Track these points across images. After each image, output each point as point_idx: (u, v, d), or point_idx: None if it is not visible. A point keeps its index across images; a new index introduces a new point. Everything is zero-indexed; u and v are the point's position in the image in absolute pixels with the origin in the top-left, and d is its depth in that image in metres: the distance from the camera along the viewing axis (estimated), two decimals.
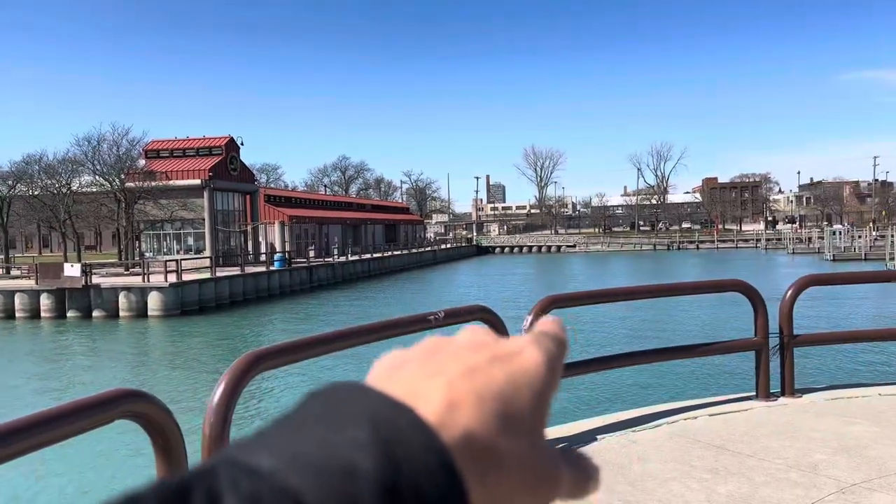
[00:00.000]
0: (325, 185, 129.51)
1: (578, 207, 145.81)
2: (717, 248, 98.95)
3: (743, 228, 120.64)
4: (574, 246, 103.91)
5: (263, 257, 53.16)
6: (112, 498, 0.28)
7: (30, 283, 37.09)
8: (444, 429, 0.35)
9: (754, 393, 6.06)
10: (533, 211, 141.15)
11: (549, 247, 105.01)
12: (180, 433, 1.77)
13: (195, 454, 1.90)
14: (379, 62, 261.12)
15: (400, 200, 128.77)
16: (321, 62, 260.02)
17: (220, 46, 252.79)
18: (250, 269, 45.78)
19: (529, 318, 4.87)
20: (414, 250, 79.75)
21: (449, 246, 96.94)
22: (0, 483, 10.91)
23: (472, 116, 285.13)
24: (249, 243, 57.56)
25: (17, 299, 36.21)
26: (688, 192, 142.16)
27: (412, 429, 0.34)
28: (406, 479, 0.32)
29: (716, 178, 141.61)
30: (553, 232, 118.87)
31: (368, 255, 66.35)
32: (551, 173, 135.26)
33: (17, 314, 35.89)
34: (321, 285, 51.33)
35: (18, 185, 56.74)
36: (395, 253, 73.08)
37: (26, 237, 76.03)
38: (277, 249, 57.11)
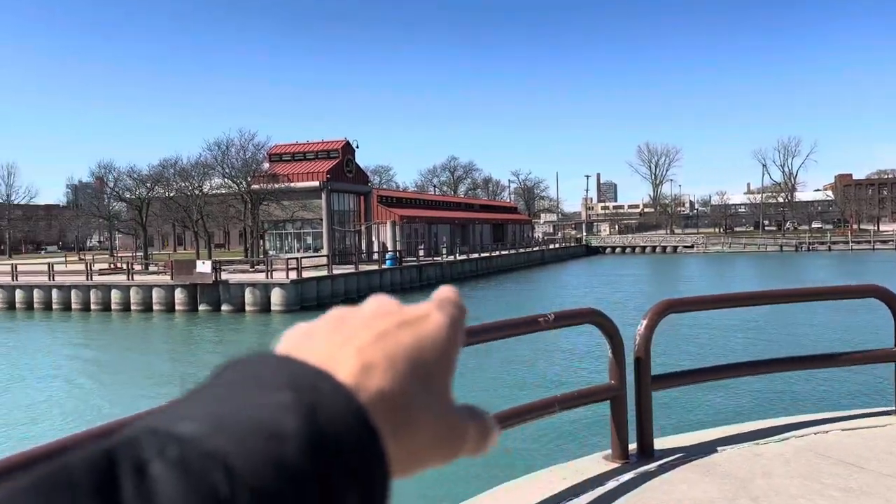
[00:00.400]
0: (435, 186, 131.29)
1: (697, 206, 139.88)
2: (852, 249, 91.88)
3: (881, 228, 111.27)
4: (692, 246, 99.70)
5: (376, 256, 54.65)
6: (43, 466, 0.28)
7: (166, 279, 40.10)
8: (360, 390, 0.37)
9: (894, 407, 5.58)
10: (647, 210, 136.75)
11: (665, 247, 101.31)
12: None
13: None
14: (489, 60, 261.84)
15: (508, 200, 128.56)
16: (432, 62, 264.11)
17: (337, 49, 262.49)
18: (363, 268, 47.19)
19: (644, 322, 4.73)
20: (521, 250, 79.35)
21: (557, 246, 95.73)
22: None
23: (583, 113, 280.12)
24: (363, 242, 59.25)
25: (155, 293, 39.25)
26: (818, 190, 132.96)
27: (332, 392, 0.36)
28: (329, 439, 0.34)
29: (850, 175, 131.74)
30: (669, 232, 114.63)
31: (476, 255, 66.68)
32: (667, 170, 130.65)
33: (155, 307, 38.90)
34: (430, 284, 52.08)
35: (156, 187, 61.52)
36: (503, 253, 73.02)
37: (163, 236, 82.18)
38: (389, 248, 58.56)
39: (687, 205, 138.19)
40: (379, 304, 0.45)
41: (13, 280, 43.80)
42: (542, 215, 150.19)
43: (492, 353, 19.69)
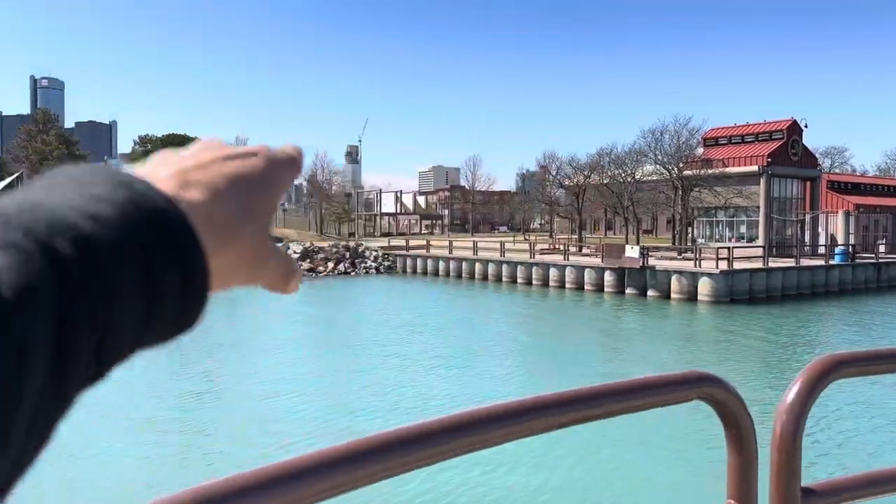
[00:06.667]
0: None
1: None
2: None
3: None
4: None
5: (822, 249, 48.46)
6: None
7: (597, 261, 42.29)
8: (179, 200, 0.40)
9: None
10: None
11: None
12: (752, 426, 1.73)
13: (763, 449, 1.85)
14: None
15: None
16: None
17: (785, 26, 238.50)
18: (806, 262, 42.40)
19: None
20: None
21: None
22: (578, 439, 12.83)
23: None
24: (807, 233, 53.24)
25: (587, 274, 41.75)
26: None
27: (150, 190, 0.39)
28: (147, 224, 0.37)
29: None
30: None
31: None
32: None
33: (586, 287, 41.40)
34: (892, 286, 44.00)
35: (593, 174, 65.12)
36: None
37: (595, 220, 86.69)
38: (839, 242, 51.26)
39: None
40: (208, 142, 0.47)
41: (474, 254, 51.60)
42: None
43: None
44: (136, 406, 16.26)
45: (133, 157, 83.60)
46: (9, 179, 75.42)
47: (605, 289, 40.30)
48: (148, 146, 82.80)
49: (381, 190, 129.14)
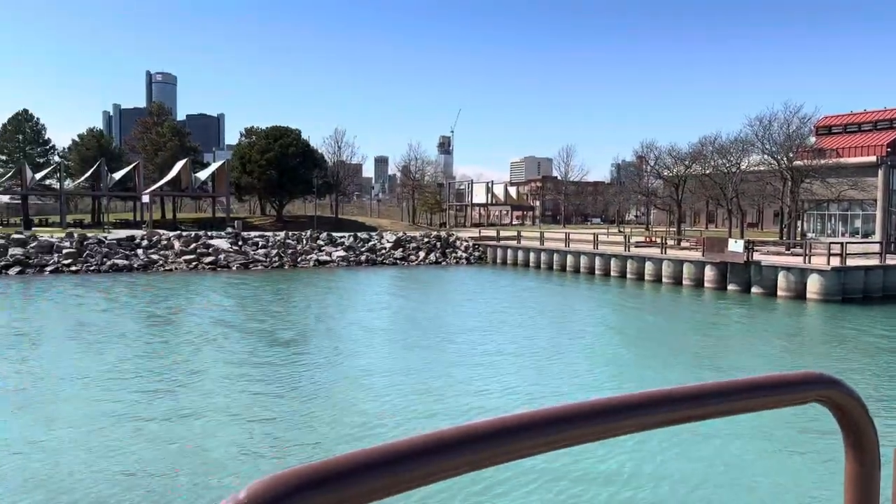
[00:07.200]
0: None
1: None
2: None
3: None
4: None
5: None
6: None
7: (696, 255, 40.73)
8: None
9: None
10: None
11: None
12: (875, 433, 1.63)
13: (885, 460, 1.74)
14: None
15: None
16: None
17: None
18: None
19: None
20: None
21: None
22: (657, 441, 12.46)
23: None
24: None
25: (685, 268, 40.31)
26: None
27: None
28: None
29: None
30: None
31: None
32: None
33: (684, 281, 39.99)
34: None
35: (694, 164, 62.72)
36: None
37: (695, 212, 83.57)
38: None
39: None
40: None
41: (566, 246, 50.93)
42: None
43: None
44: (227, 392, 17.12)
45: (239, 147, 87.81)
46: (127, 168, 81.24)
47: (705, 284, 38.79)
48: (253, 138, 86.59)
49: (472, 180, 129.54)
